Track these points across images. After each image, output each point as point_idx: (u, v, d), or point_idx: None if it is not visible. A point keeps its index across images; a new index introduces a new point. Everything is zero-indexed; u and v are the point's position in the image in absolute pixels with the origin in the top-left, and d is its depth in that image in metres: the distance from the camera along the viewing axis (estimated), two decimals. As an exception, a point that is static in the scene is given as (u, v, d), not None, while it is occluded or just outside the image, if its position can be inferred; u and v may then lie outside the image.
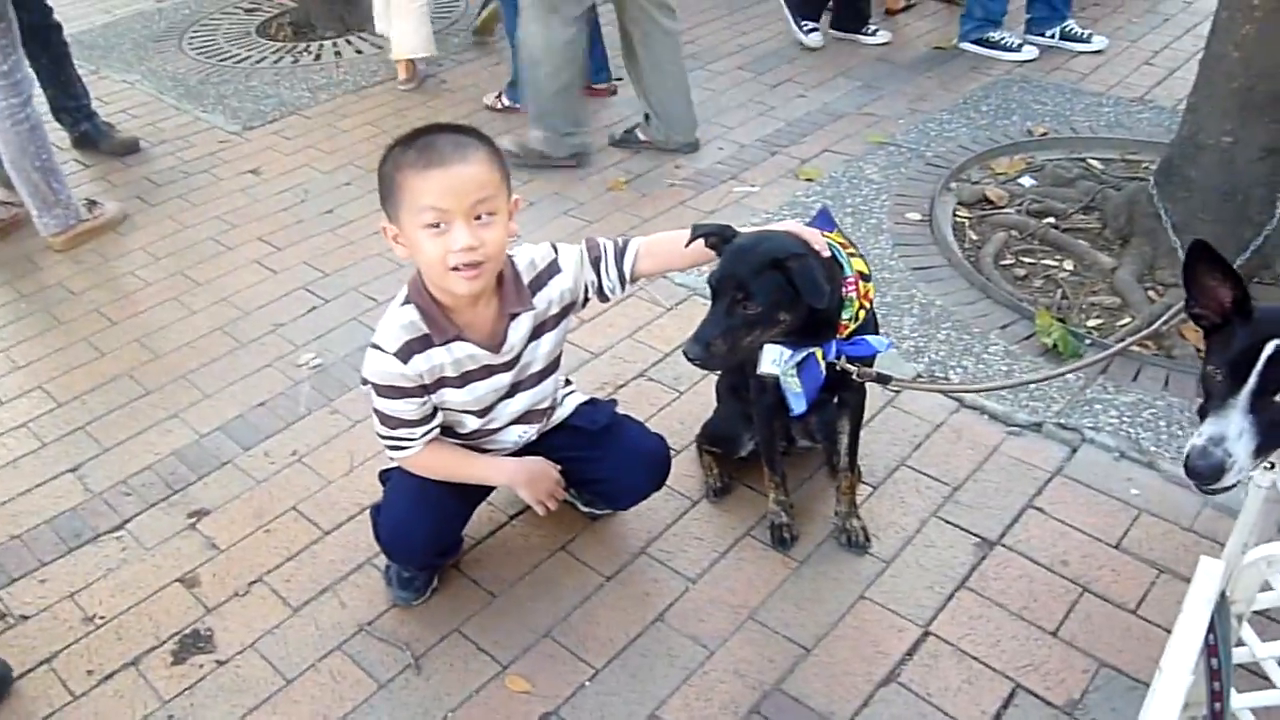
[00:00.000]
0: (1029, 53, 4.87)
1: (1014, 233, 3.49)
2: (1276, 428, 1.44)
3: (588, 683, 2.08)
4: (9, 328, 3.39)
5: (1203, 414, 1.56)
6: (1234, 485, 1.41)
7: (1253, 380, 1.43)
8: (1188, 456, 1.45)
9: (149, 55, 5.73)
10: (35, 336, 3.33)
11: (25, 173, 3.69)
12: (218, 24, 6.17)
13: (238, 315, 3.36)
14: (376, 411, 2.01)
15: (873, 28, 5.19)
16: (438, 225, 1.78)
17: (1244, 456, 1.40)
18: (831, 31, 5.28)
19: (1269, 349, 1.42)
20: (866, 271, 2.06)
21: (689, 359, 1.92)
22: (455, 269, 1.80)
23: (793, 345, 2.00)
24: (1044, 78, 4.69)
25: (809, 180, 3.93)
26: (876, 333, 2.17)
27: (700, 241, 2.02)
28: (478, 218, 1.80)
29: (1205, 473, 1.41)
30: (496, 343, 1.99)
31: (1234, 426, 1.42)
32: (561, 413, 2.29)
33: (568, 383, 2.39)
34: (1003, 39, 4.91)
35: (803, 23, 5.19)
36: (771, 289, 1.88)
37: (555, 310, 2.07)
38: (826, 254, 1.95)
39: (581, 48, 3.96)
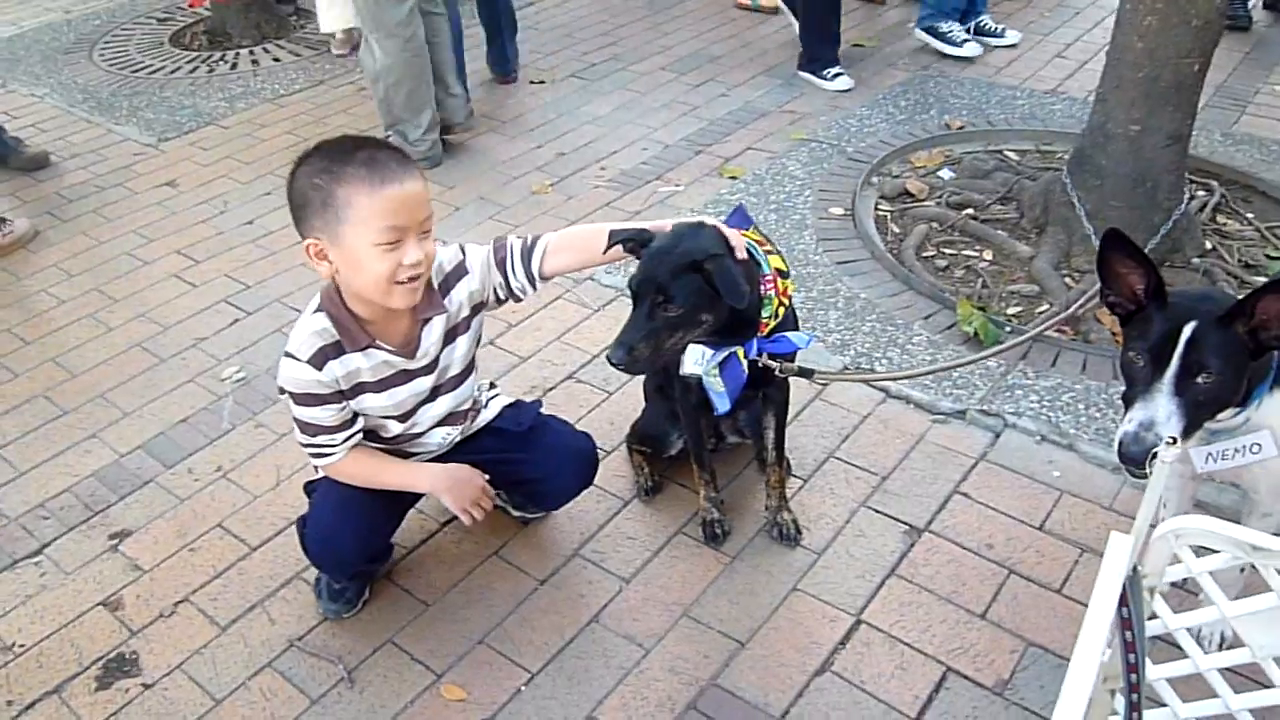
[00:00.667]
0: (971, 49, 4.89)
1: (934, 225, 3.55)
2: (1200, 408, 1.48)
3: (524, 688, 2.07)
4: (-85, 351, 3.27)
5: (1127, 400, 1.61)
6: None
7: (1175, 363, 1.47)
8: (1120, 443, 1.49)
9: (58, 68, 5.58)
10: (-56, 359, 3.22)
11: None
12: (130, 34, 6.03)
13: (157, 331, 3.29)
14: (296, 420, 1.98)
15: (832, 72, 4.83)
16: (394, 243, 1.76)
17: (1175, 436, 1.43)
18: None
19: (1187, 331, 1.45)
20: (784, 268, 2.08)
21: (612, 364, 1.93)
22: (399, 283, 1.80)
23: (714, 345, 2.02)
24: (959, 72, 4.78)
25: (733, 178, 3.96)
26: (797, 329, 2.19)
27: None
28: (424, 232, 1.81)
29: (1140, 458, 1.45)
30: (411, 348, 1.98)
31: (1162, 410, 1.46)
32: (486, 415, 2.27)
33: (492, 385, 2.38)
34: (949, 32, 4.94)
35: (825, 72, 4.73)
36: (691, 291, 1.88)
37: (466, 312, 2.05)
38: (744, 253, 1.96)
39: (423, 54, 4.06)
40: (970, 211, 3.59)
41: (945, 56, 4.90)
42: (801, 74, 4.82)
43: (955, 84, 4.65)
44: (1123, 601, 1.20)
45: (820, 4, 4.72)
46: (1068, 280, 3.20)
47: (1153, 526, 1.29)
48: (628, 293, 1.96)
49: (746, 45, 5.29)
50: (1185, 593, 2.12)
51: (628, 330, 1.93)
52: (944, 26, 4.96)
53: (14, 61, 5.69)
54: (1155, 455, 1.37)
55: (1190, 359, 1.47)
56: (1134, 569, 1.23)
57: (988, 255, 3.40)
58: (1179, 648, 1.40)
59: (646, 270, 1.92)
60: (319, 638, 2.21)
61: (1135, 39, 3.04)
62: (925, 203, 3.70)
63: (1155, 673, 1.39)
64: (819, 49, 4.78)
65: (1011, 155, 4.00)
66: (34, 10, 6.56)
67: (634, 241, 1.99)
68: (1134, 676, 1.24)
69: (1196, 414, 1.50)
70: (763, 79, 4.86)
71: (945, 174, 3.90)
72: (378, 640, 2.19)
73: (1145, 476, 1.41)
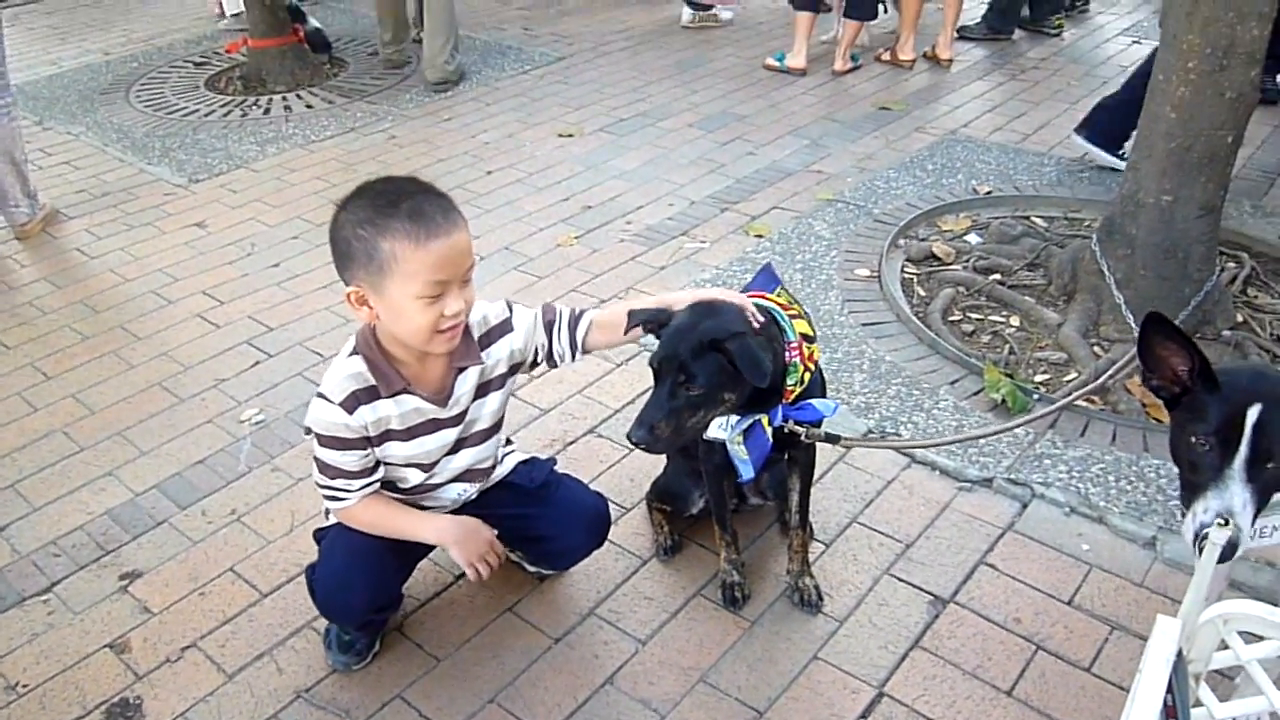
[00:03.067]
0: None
1: (961, 289, 3.53)
2: (1269, 492, 1.41)
3: (535, 750, 2.01)
4: (-63, 383, 3.27)
5: (1192, 487, 1.52)
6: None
7: (1244, 449, 1.41)
8: (1205, 535, 1.41)
9: (95, 107, 5.66)
10: (-36, 392, 3.22)
11: (12, 164, 4.11)
12: (166, 77, 6.13)
13: (178, 370, 3.28)
14: (317, 459, 1.96)
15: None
16: (438, 296, 1.75)
17: (1248, 526, 1.39)
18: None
19: (1253, 415, 1.40)
20: (810, 333, 2.05)
21: (633, 444, 1.91)
22: (440, 331, 1.79)
23: (739, 413, 1.99)
24: (986, 138, 4.79)
25: (759, 236, 3.95)
26: (824, 393, 2.16)
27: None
28: (466, 281, 1.80)
29: (1228, 552, 1.38)
30: (444, 396, 1.96)
31: (1238, 499, 1.40)
32: (500, 471, 2.25)
33: (508, 442, 2.35)
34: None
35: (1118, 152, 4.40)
36: (713, 370, 1.87)
37: (503, 369, 2.04)
38: (759, 320, 1.93)
39: None
40: (997, 277, 3.57)
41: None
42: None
43: (983, 149, 4.65)
44: (1168, 688, 1.14)
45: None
46: (1096, 349, 3.16)
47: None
48: (652, 346, 1.94)
49: (773, 105, 5.32)
50: (1224, 678, 2.05)
51: (649, 409, 1.91)
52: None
53: (52, 100, 5.78)
54: (1205, 536, 1.35)
55: (1259, 443, 1.41)
56: (1179, 653, 1.18)
57: (1015, 321, 3.37)
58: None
59: (667, 349, 1.90)
60: (327, 690, 2.16)
61: (1168, 109, 3.03)
62: (952, 266, 3.68)
63: (1198, 762, 1.33)
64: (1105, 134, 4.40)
65: (1039, 221, 3.98)
66: (74, 51, 6.70)
67: (653, 322, 1.98)
68: (1178, 767, 1.18)
69: (1265, 497, 1.44)
70: (789, 139, 4.88)
71: (972, 238, 3.88)
72: (387, 694, 2.14)
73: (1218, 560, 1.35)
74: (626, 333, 2.04)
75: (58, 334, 3.52)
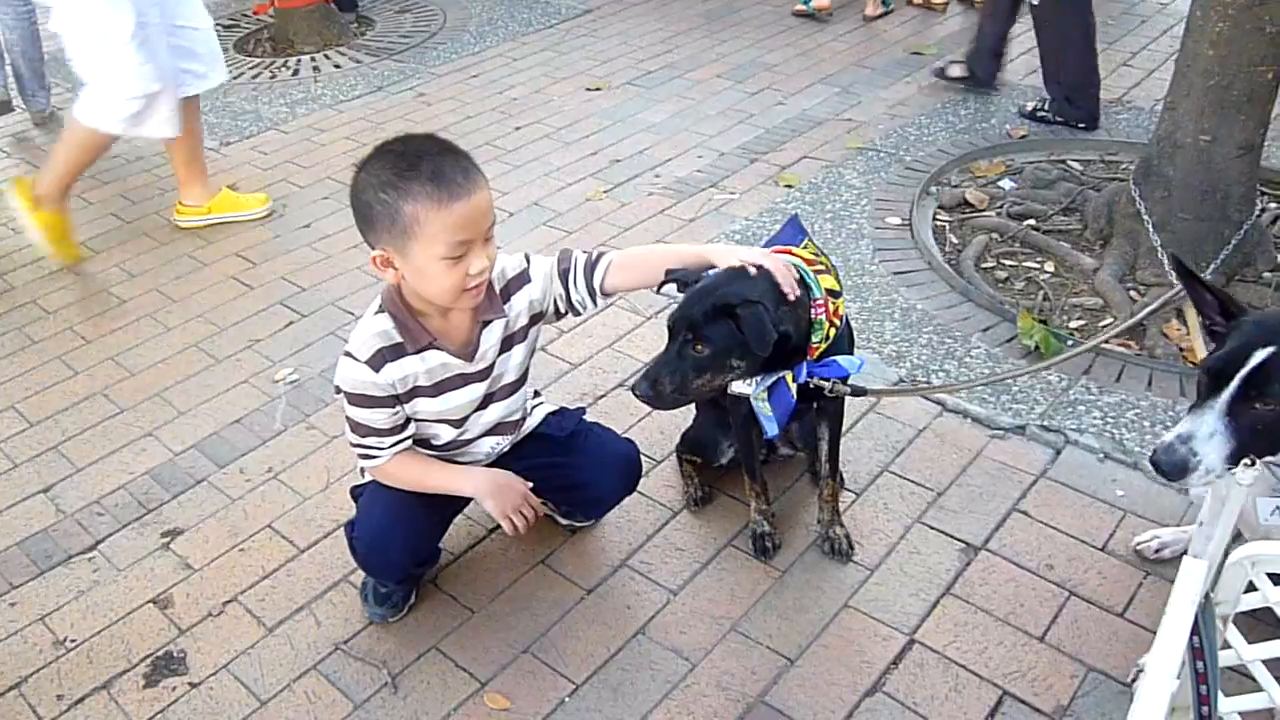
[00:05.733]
0: None
1: (994, 235, 3.48)
2: (1253, 433, 1.42)
3: (568, 699, 2.04)
4: (-19, 348, 3.34)
5: None
6: (1206, 483, 1.40)
7: (1234, 384, 1.41)
8: (1154, 450, 1.45)
9: (125, 72, 5.68)
10: (7, 356, 3.28)
11: (32, 61, 4.85)
12: (195, 40, 6.13)
13: (214, 331, 3.32)
14: (348, 419, 1.99)
15: None
16: (460, 256, 1.76)
17: (1213, 458, 1.39)
18: None
19: (1259, 356, 1.39)
20: (837, 287, 2.03)
21: (636, 395, 1.93)
22: (467, 289, 1.81)
23: (762, 370, 1.98)
24: (1021, 81, 4.69)
25: (789, 186, 3.91)
26: (852, 347, 2.15)
27: (681, 259, 2.03)
28: (488, 239, 1.81)
29: (1168, 469, 1.41)
30: (469, 350, 1.97)
31: (1206, 427, 1.41)
32: (530, 423, 2.26)
33: (536, 394, 2.36)
34: None
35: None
36: (722, 334, 1.87)
37: (524, 321, 2.05)
38: (795, 293, 1.92)
39: None
40: (1032, 222, 3.52)
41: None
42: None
43: (1017, 92, 4.56)
44: (1194, 630, 1.14)
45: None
46: (1133, 293, 3.11)
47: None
48: (677, 298, 1.94)
49: (803, 54, 5.24)
50: (1255, 621, 2.03)
51: (656, 365, 1.93)
52: None
53: (83, 66, 5.81)
54: (1199, 475, 1.37)
55: (1252, 382, 1.41)
56: (1206, 596, 1.17)
57: (1049, 267, 3.32)
58: (1252, 679, 1.33)
59: (683, 308, 1.91)
60: (364, 642, 2.20)
61: (1206, 46, 2.95)
62: (985, 213, 3.63)
63: (1227, 705, 1.32)
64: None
65: (1075, 165, 3.91)
66: (104, 17, 6.70)
67: (682, 280, 1.98)
68: (1205, 709, 1.17)
69: (1249, 441, 1.42)
70: (819, 87, 4.81)
71: (1006, 184, 3.82)
72: (422, 646, 2.18)
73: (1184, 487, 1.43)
74: (659, 288, 2.05)
75: (95, 298, 3.57)
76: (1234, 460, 1.41)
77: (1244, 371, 1.41)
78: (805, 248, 2.07)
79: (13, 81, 4.95)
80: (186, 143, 3.86)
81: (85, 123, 3.60)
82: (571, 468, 2.23)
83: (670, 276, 2.01)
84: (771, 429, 2.03)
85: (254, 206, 4.03)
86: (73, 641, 2.25)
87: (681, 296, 1.97)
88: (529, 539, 2.38)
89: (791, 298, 1.91)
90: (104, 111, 3.55)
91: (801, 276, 1.96)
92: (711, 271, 1.97)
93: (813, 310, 1.96)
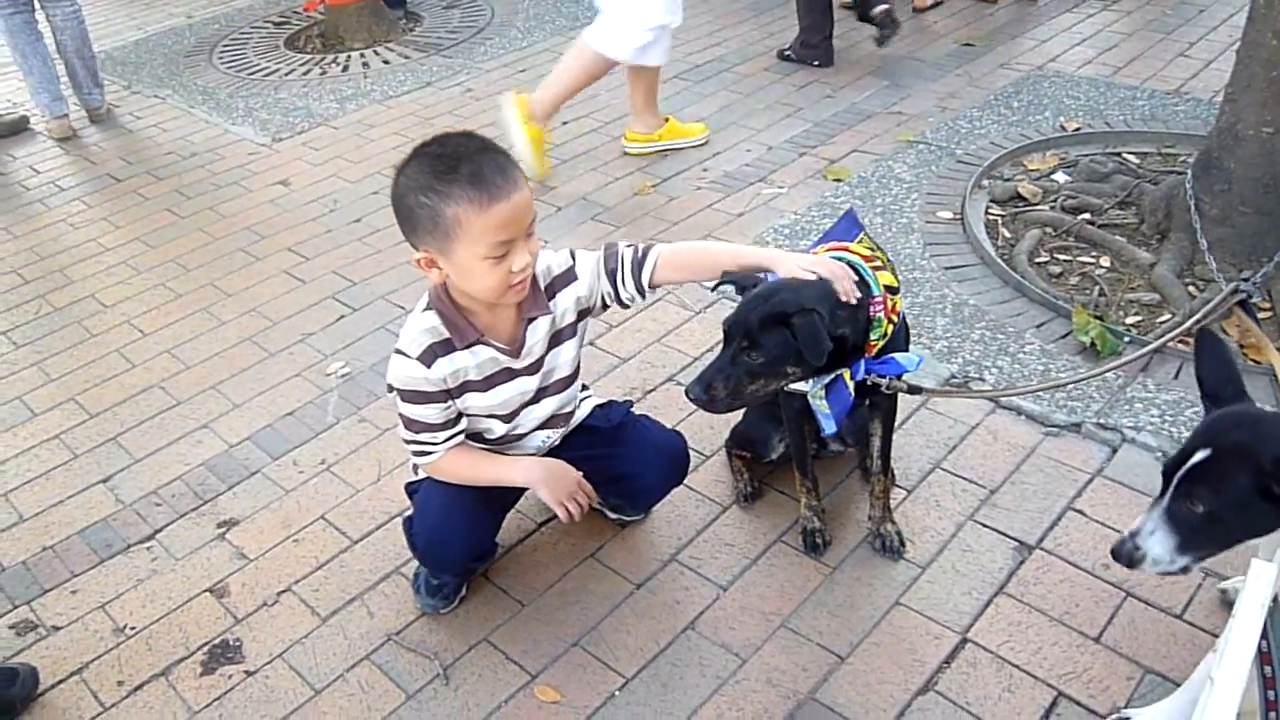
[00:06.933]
0: None
1: (1048, 230, 3.43)
2: (1191, 531, 1.47)
3: (618, 692, 2.05)
4: (42, 340, 3.41)
5: None
6: (1163, 572, 1.51)
7: (1172, 485, 1.48)
8: (1114, 545, 1.56)
9: (180, 70, 5.78)
10: (68, 349, 3.35)
11: (86, 60, 4.99)
12: (247, 38, 6.22)
13: (267, 325, 3.37)
14: (401, 415, 2.00)
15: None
16: (503, 255, 1.77)
17: (1158, 551, 1.48)
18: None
19: (1195, 458, 1.45)
20: (895, 283, 2.01)
21: (689, 398, 1.93)
22: (512, 286, 1.82)
23: (820, 371, 1.97)
24: (1075, 72, 4.62)
25: (838, 180, 3.88)
26: (907, 343, 2.13)
27: (730, 260, 2.04)
28: (529, 235, 1.82)
29: (1122, 561, 1.53)
30: (517, 347, 1.98)
31: (1149, 525, 1.50)
32: (579, 415, 2.27)
33: (585, 387, 2.36)
34: None
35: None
36: (777, 342, 1.86)
37: (571, 317, 2.05)
38: (855, 298, 1.90)
39: None
40: (1087, 216, 3.46)
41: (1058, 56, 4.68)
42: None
43: (1071, 84, 4.49)
44: (1262, 633, 1.11)
45: None
46: (1191, 289, 3.05)
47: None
48: (732, 294, 1.93)
49: (853, 45, 5.19)
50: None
51: (711, 369, 1.93)
52: None
53: (139, 65, 5.92)
54: (1150, 567, 1.49)
55: (1183, 485, 1.47)
56: (1275, 599, 1.15)
57: (1105, 262, 3.26)
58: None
59: (740, 314, 1.91)
60: (416, 633, 2.22)
61: (1269, 35, 2.88)
62: (1039, 207, 3.57)
63: (1295, 710, 1.29)
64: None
65: (1131, 158, 3.84)
66: (158, 15, 6.83)
67: (739, 284, 1.98)
68: (1274, 715, 1.15)
69: (1189, 538, 1.48)
70: (869, 79, 4.77)
71: (1060, 177, 3.76)
72: (474, 638, 2.19)
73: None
74: (716, 287, 2.06)
75: (152, 292, 3.63)
76: (1185, 550, 1.47)
77: (1180, 473, 1.46)
78: (861, 242, 2.05)
79: (66, 81, 5.06)
80: (654, 74, 4.11)
81: (597, 49, 3.87)
82: (618, 459, 2.23)
83: (727, 278, 2.01)
84: (829, 427, 2.02)
85: (696, 134, 4.28)
86: (132, 629, 2.30)
87: (739, 300, 1.96)
88: (578, 533, 2.39)
89: (851, 303, 1.89)
90: (620, 40, 3.83)
91: (860, 275, 1.94)
92: (770, 276, 1.96)
93: (871, 308, 1.94)
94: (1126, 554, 1.52)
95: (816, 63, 4.93)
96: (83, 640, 2.28)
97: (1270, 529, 1.47)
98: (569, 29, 5.79)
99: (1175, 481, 1.48)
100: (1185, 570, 1.49)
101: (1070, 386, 2.70)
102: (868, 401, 2.20)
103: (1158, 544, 1.49)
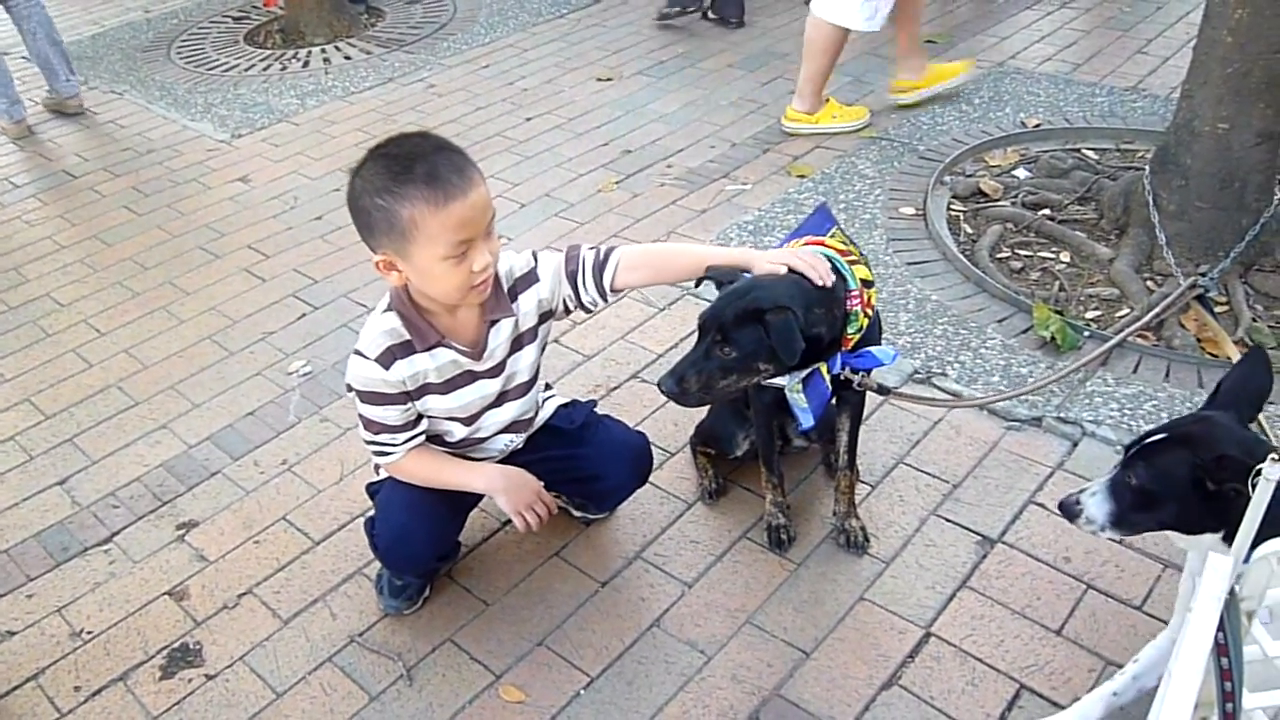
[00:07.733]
0: None
1: (1009, 225, 3.45)
2: (1125, 502, 1.61)
3: (583, 691, 2.04)
4: (-5, 341, 3.35)
5: None
6: (1094, 531, 1.66)
7: (1123, 458, 1.63)
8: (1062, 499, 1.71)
9: (137, 65, 5.70)
10: (23, 349, 3.29)
11: (57, 44, 4.93)
12: (206, 33, 6.14)
13: (227, 324, 3.33)
14: (360, 416, 1.98)
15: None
16: (463, 255, 1.75)
17: (1093, 511, 1.63)
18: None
19: (1150, 440, 1.59)
20: (870, 277, 2.02)
21: (662, 392, 1.94)
22: (473, 286, 1.80)
23: (796, 367, 1.97)
24: (1035, 69, 4.65)
25: (801, 177, 3.89)
26: (881, 337, 2.14)
27: (693, 261, 2.04)
28: (488, 234, 1.80)
29: (1063, 512, 1.68)
30: (479, 349, 1.96)
31: (1094, 487, 1.65)
32: (542, 416, 2.25)
33: (548, 387, 2.35)
34: None
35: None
36: (750, 339, 1.87)
37: (533, 320, 2.04)
38: (829, 280, 1.90)
39: None
40: (1047, 212, 3.49)
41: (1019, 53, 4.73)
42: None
43: (1031, 81, 4.53)
44: (1219, 625, 1.13)
45: None
46: (1149, 283, 3.09)
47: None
48: (696, 291, 1.93)
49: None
50: None
51: (684, 362, 1.93)
52: None
53: (96, 60, 5.83)
54: (1085, 525, 1.63)
55: (1131, 462, 1.60)
56: (1231, 591, 1.16)
57: (1065, 257, 3.29)
58: None
59: (715, 309, 1.91)
60: (379, 634, 2.20)
61: (1224, 33, 2.92)
62: (1000, 203, 3.60)
63: (1252, 701, 1.31)
64: None
65: (1090, 154, 3.88)
66: (116, 10, 6.73)
67: (719, 280, 1.98)
68: (1230, 706, 1.16)
69: (1124, 509, 1.62)
70: (832, 76, 4.76)
71: (1021, 173, 3.79)
72: (437, 639, 2.18)
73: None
74: (697, 284, 2.07)
75: (109, 290, 3.58)
76: (1118, 521, 1.62)
77: (1133, 450, 1.60)
78: (834, 237, 2.06)
79: (31, 78, 5.08)
80: (916, 25, 4.30)
81: (827, 19, 3.98)
82: (582, 459, 2.22)
83: (709, 274, 2.01)
84: (807, 420, 2.02)
85: (960, 71, 4.39)
86: (89, 633, 2.26)
87: (710, 299, 1.96)
88: (543, 532, 2.37)
89: (824, 284, 1.90)
90: (847, 7, 3.91)
91: (837, 269, 1.95)
92: (748, 274, 1.96)
93: (849, 302, 1.95)
94: (1068, 506, 1.67)
95: (733, 21, 5.33)
96: (39, 645, 2.24)
97: (1200, 528, 1.57)
98: (531, 24, 5.76)
99: (1125, 456, 1.62)
100: (1114, 538, 1.69)
101: (1031, 380, 2.72)
102: (836, 398, 2.20)
103: (1095, 506, 1.63)
